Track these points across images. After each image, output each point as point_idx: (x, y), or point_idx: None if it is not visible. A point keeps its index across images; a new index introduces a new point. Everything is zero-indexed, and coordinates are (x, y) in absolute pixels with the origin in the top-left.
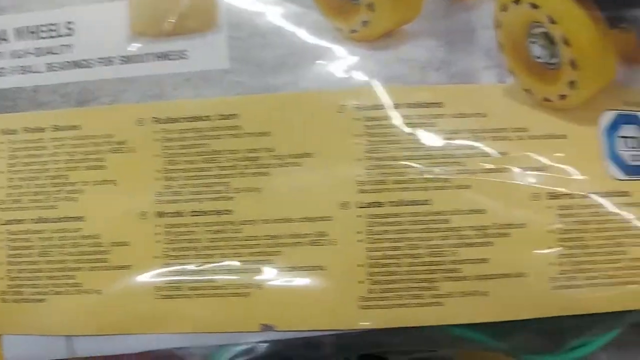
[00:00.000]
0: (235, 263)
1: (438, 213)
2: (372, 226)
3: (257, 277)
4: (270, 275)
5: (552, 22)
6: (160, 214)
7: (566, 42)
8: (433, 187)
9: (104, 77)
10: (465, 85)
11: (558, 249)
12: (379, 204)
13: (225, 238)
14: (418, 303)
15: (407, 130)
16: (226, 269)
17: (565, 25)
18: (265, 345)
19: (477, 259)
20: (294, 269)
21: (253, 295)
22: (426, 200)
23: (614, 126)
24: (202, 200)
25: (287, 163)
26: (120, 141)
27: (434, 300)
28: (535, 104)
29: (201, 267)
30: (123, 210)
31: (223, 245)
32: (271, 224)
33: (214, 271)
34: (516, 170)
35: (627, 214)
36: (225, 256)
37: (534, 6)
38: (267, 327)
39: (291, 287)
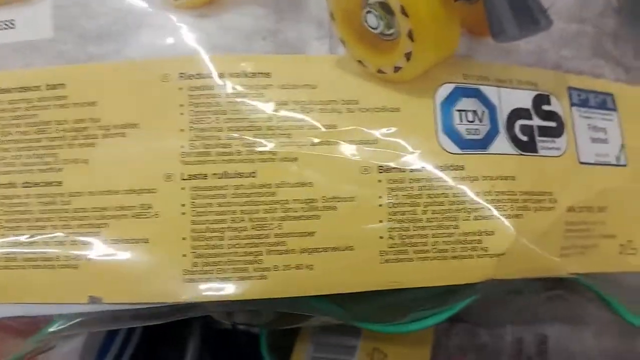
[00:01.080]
0: (65, 235)
1: (263, 186)
2: (196, 199)
3: (86, 249)
4: (97, 247)
5: None
6: None
7: (404, 13)
8: (259, 159)
9: None
10: (294, 55)
11: (388, 222)
12: (202, 176)
13: (55, 210)
14: (241, 277)
15: (232, 100)
16: (57, 241)
17: None
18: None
19: (303, 233)
20: (120, 241)
21: (82, 267)
22: (251, 172)
23: (451, 99)
24: (33, 172)
25: (113, 134)
26: None
27: (258, 274)
28: (368, 76)
29: (34, 239)
30: None
31: (54, 217)
32: (98, 196)
33: (45, 243)
34: (346, 143)
35: (460, 188)
36: (56, 228)
37: None
38: (94, 299)
39: (118, 260)
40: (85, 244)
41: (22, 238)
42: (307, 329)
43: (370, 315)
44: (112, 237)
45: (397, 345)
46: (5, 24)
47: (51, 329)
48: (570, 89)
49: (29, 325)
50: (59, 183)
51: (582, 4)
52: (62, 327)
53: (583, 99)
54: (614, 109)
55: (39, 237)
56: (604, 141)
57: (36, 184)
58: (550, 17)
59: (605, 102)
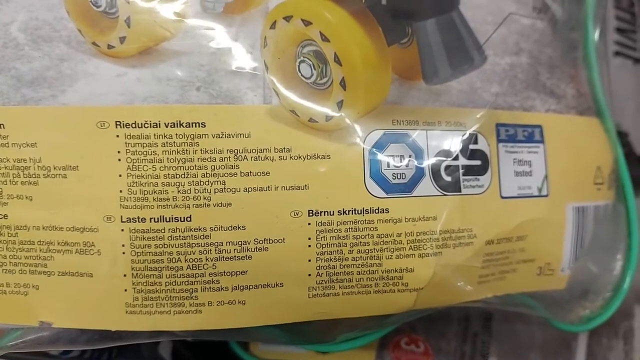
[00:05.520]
0: (14, 264)
1: (198, 229)
2: (135, 240)
3: (34, 279)
4: (45, 278)
5: (325, 39)
6: None
7: (337, 61)
8: (194, 204)
9: None
10: (228, 105)
11: (316, 262)
12: (141, 220)
13: (3, 241)
14: (178, 311)
15: (168, 149)
16: (6, 269)
17: (338, 43)
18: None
19: (236, 272)
20: (66, 273)
21: (31, 294)
22: (187, 217)
23: (379, 146)
24: None
25: (54, 174)
26: None
27: (193, 308)
28: (300, 125)
29: None
30: None
31: (2, 247)
32: (43, 231)
33: None
34: (277, 189)
35: (384, 230)
36: (4, 257)
37: (306, 22)
38: (45, 324)
39: (65, 290)
40: (33, 273)
41: None
42: None
43: (305, 337)
44: (59, 269)
45: None
46: None
47: (10, 343)
48: (498, 125)
49: None
50: (5, 216)
51: (519, 34)
52: (16, 342)
53: (510, 134)
54: (541, 141)
55: None
56: (528, 174)
57: None
58: (484, 53)
59: (532, 135)
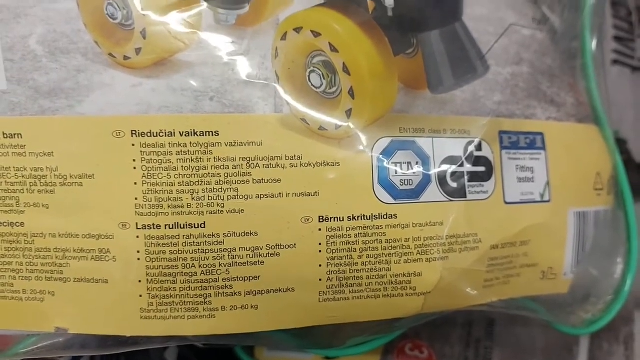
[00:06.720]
0: (30, 271)
1: (212, 235)
2: (150, 247)
3: (50, 285)
4: (61, 284)
5: (334, 50)
6: None
7: (346, 70)
8: (208, 211)
9: None
10: (240, 115)
11: (327, 267)
12: (156, 227)
13: (19, 248)
14: (192, 316)
15: (183, 157)
16: (23, 276)
17: (346, 53)
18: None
19: (249, 277)
20: (82, 280)
21: (47, 301)
22: (201, 224)
23: (387, 153)
24: None
25: (70, 183)
26: None
27: (207, 313)
28: (311, 133)
29: (1, 273)
30: None
31: (18, 254)
32: (59, 238)
33: (12, 277)
34: (289, 195)
35: (393, 235)
36: (21, 264)
37: (316, 34)
38: (61, 330)
39: (81, 297)
40: (49, 280)
41: None
42: None
43: (314, 341)
44: (75, 276)
45: None
46: None
47: (24, 349)
48: (501, 132)
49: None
50: (22, 224)
51: (520, 44)
52: (31, 348)
53: (513, 142)
54: (543, 148)
55: (6, 272)
56: (530, 180)
57: (0, 224)
58: (487, 63)
59: (534, 142)
